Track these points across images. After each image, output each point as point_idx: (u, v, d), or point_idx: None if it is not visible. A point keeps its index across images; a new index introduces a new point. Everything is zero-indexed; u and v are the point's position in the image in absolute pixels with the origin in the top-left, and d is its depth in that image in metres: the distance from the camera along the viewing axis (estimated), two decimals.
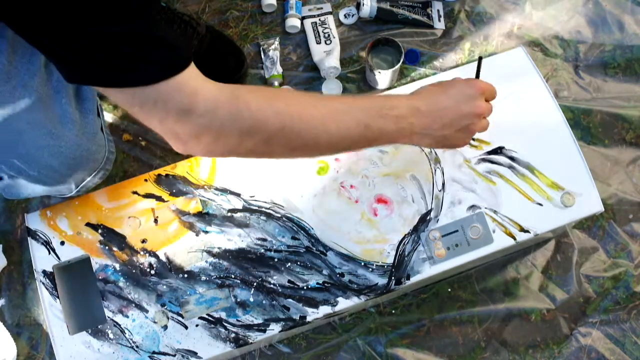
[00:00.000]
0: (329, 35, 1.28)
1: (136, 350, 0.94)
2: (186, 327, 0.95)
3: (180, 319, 0.95)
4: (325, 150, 0.80)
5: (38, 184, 0.91)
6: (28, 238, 0.99)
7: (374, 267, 0.96)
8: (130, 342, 0.94)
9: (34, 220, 1.00)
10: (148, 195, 1.01)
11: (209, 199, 1.00)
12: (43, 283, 0.96)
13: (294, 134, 0.75)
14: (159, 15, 0.66)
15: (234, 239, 0.98)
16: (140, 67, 0.65)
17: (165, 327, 0.95)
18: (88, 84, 0.73)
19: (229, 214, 0.99)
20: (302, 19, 1.31)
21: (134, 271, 0.97)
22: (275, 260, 0.97)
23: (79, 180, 0.94)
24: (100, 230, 0.99)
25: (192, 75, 0.69)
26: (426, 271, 0.96)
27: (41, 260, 0.98)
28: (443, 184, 0.99)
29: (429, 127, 0.83)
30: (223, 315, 0.95)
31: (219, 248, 0.98)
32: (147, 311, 0.95)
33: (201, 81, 0.70)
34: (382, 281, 0.96)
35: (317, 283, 0.96)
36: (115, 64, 0.64)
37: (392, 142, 0.85)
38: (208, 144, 0.72)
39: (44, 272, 0.97)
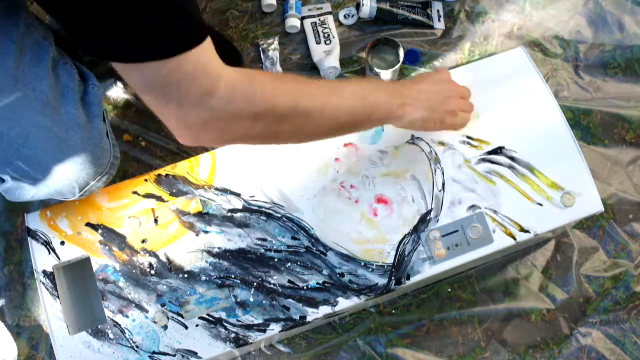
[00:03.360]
0: (328, 35, 1.28)
1: (136, 350, 0.94)
2: (186, 327, 0.95)
3: (180, 319, 0.95)
4: (327, 129, 0.83)
5: (41, 187, 0.90)
6: (28, 238, 0.99)
7: (374, 267, 0.96)
8: (130, 342, 0.94)
9: (34, 220, 1.00)
10: (148, 195, 1.01)
11: (209, 199, 1.00)
12: (43, 283, 0.96)
13: (302, 112, 0.77)
14: None
15: (234, 239, 0.98)
16: (162, 39, 0.61)
17: (165, 327, 0.95)
18: (107, 59, 0.67)
19: (229, 214, 0.99)
20: (302, 19, 1.31)
21: (134, 271, 0.97)
22: (275, 260, 0.97)
23: (83, 184, 0.93)
24: (100, 230, 0.99)
25: (212, 56, 0.68)
26: (426, 271, 0.96)
27: (41, 260, 0.97)
28: (443, 184, 0.99)
29: (417, 97, 0.90)
30: (223, 315, 0.95)
31: (219, 248, 0.98)
32: (147, 311, 0.95)
33: (221, 64, 0.69)
34: (382, 281, 0.96)
35: (317, 283, 0.96)
36: (136, 35, 0.61)
37: (387, 117, 0.88)
38: (220, 129, 0.72)
39: (44, 272, 0.97)
